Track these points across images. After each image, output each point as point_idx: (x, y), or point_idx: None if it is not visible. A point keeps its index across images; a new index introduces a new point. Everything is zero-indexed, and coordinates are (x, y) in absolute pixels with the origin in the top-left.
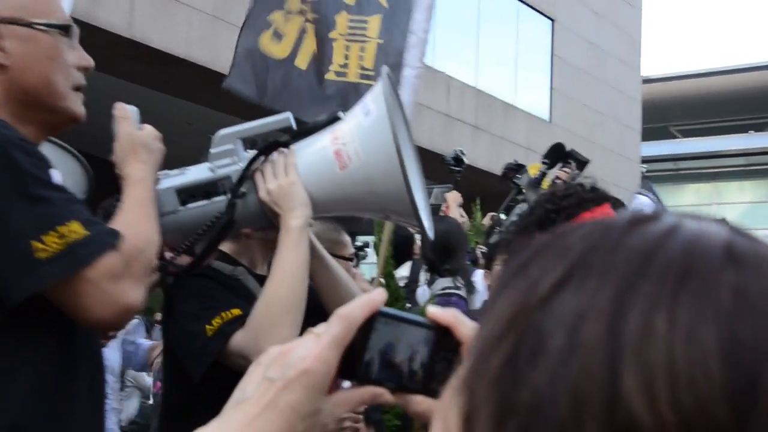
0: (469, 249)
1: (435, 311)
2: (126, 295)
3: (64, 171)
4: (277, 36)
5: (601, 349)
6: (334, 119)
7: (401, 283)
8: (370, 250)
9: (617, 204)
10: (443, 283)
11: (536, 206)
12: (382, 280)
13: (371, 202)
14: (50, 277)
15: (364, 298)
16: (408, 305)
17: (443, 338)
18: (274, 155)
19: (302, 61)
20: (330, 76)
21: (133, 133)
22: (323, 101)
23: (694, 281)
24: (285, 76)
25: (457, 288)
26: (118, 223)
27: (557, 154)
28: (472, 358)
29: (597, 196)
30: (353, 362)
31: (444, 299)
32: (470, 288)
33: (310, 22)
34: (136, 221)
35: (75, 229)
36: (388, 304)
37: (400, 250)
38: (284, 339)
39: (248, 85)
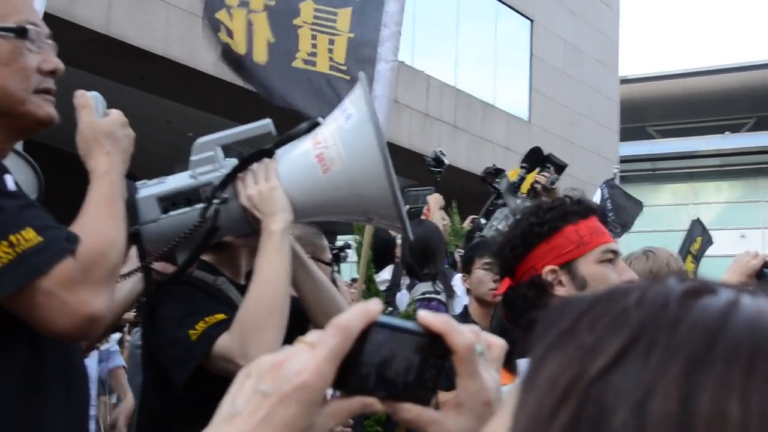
0: (448, 253)
1: (427, 317)
2: (87, 303)
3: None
4: (229, 34)
5: (672, 427)
6: (314, 125)
7: (383, 287)
8: (350, 251)
9: (604, 216)
10: (423, 287)
11: (521, 219)
12: (364, 286)
13: (354, 205)
14: (1, 290)
15: (361, 309)
16: (389, 309)
17: (433, 345)
18: (255, 164)
19: (260, 54)
20: (298, 63)
21: (95, 123)
22: (293, 89)
23: (763, 363)
24: (251, 71)
25: (437, 292)
26: (78, 224)
27: (535, 158)
28: (522, 425)
29: (582, 209)
30: (346, 373)
31: (424, 304)
32: (450, 292)
33: (255, 12)
34: (98, 221)
35: (28, 237)
36: None
37: (381, 253)
38: (270, 341)
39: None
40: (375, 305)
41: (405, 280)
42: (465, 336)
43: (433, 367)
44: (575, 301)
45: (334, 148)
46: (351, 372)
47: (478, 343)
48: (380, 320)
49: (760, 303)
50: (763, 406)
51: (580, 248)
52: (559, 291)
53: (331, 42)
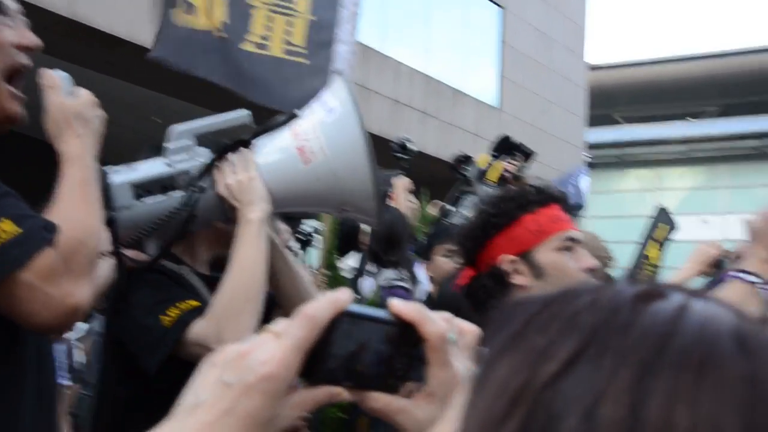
0: (415, 239)
1: (399, 306)
2: (70, 294)
3: None
4: (189, 7)
5: None
6: (291, 117)
7: (349, 274)
8: (318, 236)
9: (567, 203)
10: (388, 274)
11: (481, 212)
12: (327, 272)
13: (333, 197)
14: None
15: (331, 298)
16: (358, 298)
17: (404, 333)
18: (232, 154)
19: (220, 31)
20: (247, 46)
21: (64, 104)
22: (243, 72)
23: (711, 371)
24: (208, 46)
25: (402, 280)
26: (54, 211)
27: (504, 146)
28: (472, 429)
29: (542, 197)
30: (313, 362)
31: (389, 291)
32: (414, 279)
33: None
34: (74, 207)
35: (6, 228)
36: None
37: (345, 240)
38: (245, 328)
39: (174, 58)
40: (344, 294)
41: (371, 267)
42: (437, 325)
43: (403, 355)
44: (528, 302)
45: (316, 141)
46: (318, 361)
47: (450, 331)
48: (350, 309)
49: (709, 308)
50: (711, 414)
51: (538, 236)
52: (517, 280)
53: (290, 24)
